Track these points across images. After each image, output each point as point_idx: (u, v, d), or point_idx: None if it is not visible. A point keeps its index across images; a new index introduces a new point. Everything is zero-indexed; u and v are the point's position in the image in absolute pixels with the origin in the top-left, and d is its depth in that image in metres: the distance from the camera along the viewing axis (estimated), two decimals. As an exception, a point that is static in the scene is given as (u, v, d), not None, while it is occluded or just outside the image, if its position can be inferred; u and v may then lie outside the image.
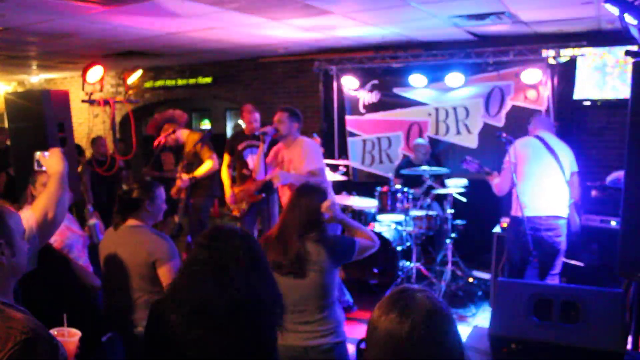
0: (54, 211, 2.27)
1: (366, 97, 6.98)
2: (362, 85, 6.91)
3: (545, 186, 4.11)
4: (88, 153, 7.41)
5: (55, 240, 3.13)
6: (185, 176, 5.06)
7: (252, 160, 5.28)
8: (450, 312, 1.37)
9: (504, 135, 4.18)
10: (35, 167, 2.60)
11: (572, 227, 4.30)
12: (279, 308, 1.97)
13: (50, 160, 2.47)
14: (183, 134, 5.29)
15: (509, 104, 6.09)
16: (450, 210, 5.46)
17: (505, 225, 4.79)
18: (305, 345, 2.58)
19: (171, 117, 5.27)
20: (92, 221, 3.71)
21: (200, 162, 5.20)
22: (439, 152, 6.54)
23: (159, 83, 8.91)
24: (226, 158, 5.51)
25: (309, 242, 2.59)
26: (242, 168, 5.42)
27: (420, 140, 6.24)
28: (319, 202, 2.68)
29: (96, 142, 7.12)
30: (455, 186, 5.48)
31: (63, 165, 2.44)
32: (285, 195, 4.45)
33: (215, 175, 5.35)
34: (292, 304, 2.55)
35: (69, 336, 1.83)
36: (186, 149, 5.25)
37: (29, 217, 2.20)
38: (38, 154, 2.56)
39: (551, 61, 5.73)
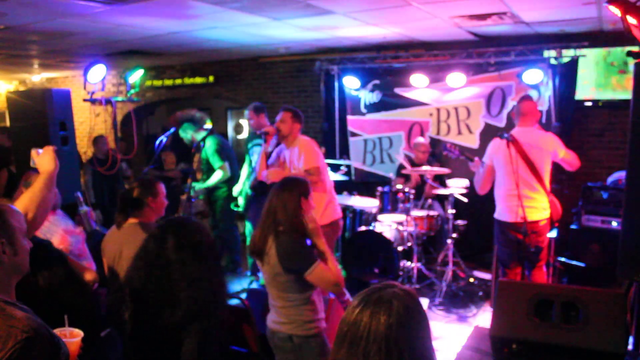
0: (34, 212, 2.19)
1: (367, 97, 6.98)
2: (364, 85, 6.91)
3: (521, 193, 4.04)
4: (89, 152, 7.42)
5: (60, 249, 3.12)
6: (198, 187, 5.21)
7: (254, 158, 5.35)
8: (417, 315, 1.33)
9: (506, 135, 4.17)
10: (32, 164, 2.50)
11: (555, 218, 4.27)
12: (220, 301, 2.04)
13: (42, 159, 2.38)
14: (200, 135, 5.41)
15: (510, 105, 6.08)
16: (451, 211, 5.46)
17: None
18: (270, 327, 2.73)
19: (192, 117, 5.39)
20: (83, 209, 3.71)
21: (211, 168, 5.36)
22: (440, 152, 6.54)
23: (161, 82, 8.92)
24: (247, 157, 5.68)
25: (272, 234, 2.61)
26: None
27: (419, 139, 6.25)
28: (298, 196, 2.64)
29: (98, 141, 7.13)
30: (457, 186, 5.48)
31: (54, 165, 2.36)
32: None
33: (232, 178, 5.53)
34: (267, 282, 2.72)
35: (71, 336, 1.83)
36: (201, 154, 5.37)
37: None
38: (33, 151, 2.48)
39: (552, 62, 5.73)
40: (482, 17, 5.02)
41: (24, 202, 2.20)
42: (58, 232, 3.17)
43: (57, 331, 1.71)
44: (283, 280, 2.60)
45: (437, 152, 6.52)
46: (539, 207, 4.15)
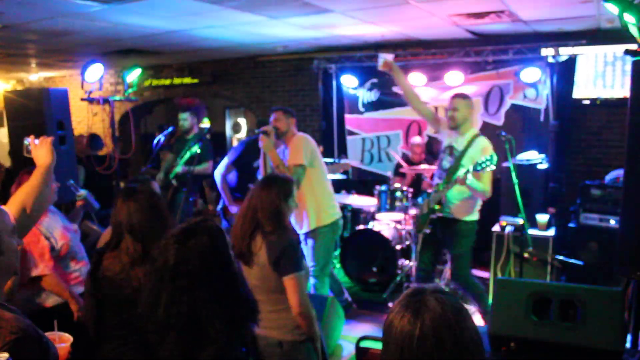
0: (32, 206, 2.11)
1: (365, 95, 6.97)
2: (361, 84, 6.91)
3: None
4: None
5: (62, 244, 3.10)
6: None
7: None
8: (464, 313, 1.33)
9: (504, 133, 4.17)
10: (25, 154, 2.43)
11: None
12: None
13: (40, 151, 2.30)
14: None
15: (508, 103, 6.09)
16: (449, 209, 5.45)
17: (504, 224, 4.79)
18: (257, 332, 2.54)
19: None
20: (81, 192, 3.71)
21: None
22: (438, 150, 6.53)
23: (158, 81, 8.90)
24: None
25: (259, 234, 2.54)
26: None
27: (415, 139, 6.26)
28: (280, 195, 2.58)
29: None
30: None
31: (51, 158, 2.28)
32: None
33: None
34: (253, 285, 2.55)
35: (60, 341, 1.80)
36: None
37: None
38: (27, 141, 2.39)
39: (550, 60, 5.73)
40: (480, 15, 5.02)
41: (21, 198, 2.12)
42: (58, 227, 3.15)
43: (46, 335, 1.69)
44: (273, 282, 2.50)
45: (434, 150, 6.52)
46: None
